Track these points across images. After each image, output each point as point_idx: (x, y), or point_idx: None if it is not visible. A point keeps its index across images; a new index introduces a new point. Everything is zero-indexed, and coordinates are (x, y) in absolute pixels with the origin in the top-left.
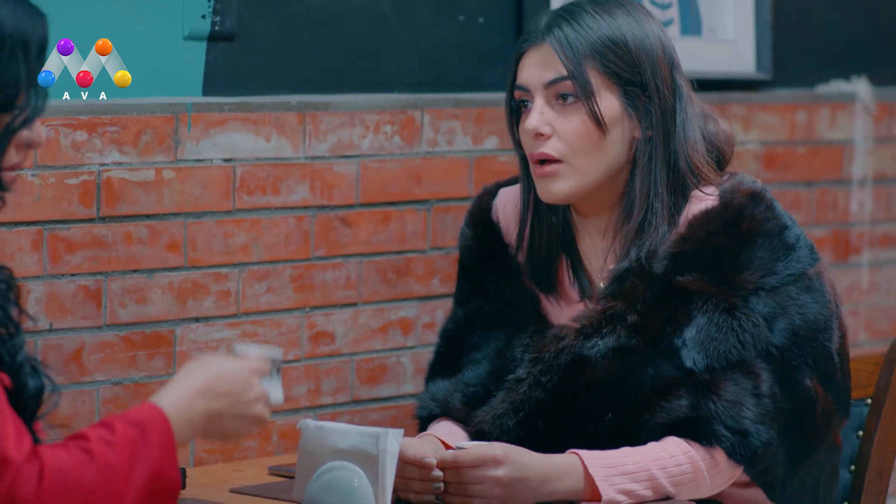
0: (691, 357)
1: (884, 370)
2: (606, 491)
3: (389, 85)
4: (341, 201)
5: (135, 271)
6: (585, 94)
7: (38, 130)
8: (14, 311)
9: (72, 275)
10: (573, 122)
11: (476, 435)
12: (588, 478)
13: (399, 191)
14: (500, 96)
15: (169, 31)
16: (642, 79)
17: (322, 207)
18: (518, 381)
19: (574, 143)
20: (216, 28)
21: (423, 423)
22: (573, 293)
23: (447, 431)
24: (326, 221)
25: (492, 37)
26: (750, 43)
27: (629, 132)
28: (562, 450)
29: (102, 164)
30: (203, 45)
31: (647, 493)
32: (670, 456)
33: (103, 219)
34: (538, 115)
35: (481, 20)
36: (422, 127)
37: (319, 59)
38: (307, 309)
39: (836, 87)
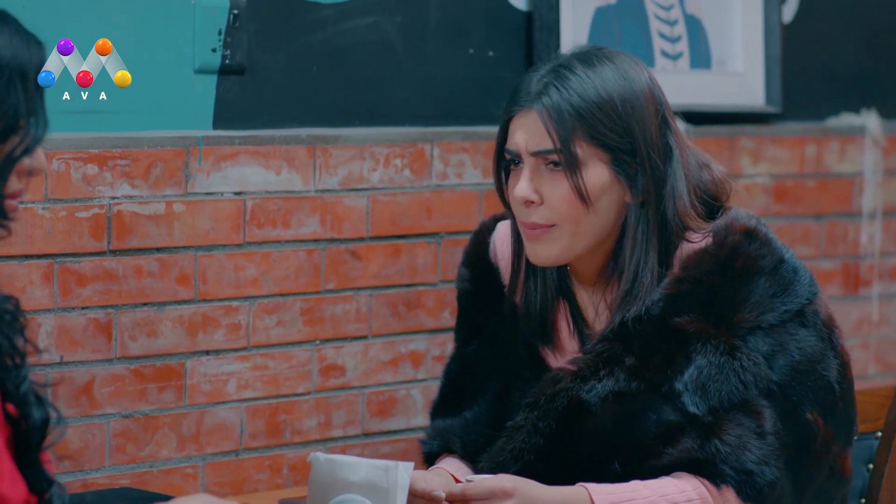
0: (693, 402)
1: (893, 403)
2: None
3: (399, 118)
4: (351, 234)
5: (145, 304)
6: (571, 168)
7: (40, 157)
8: (20, 342)
9: (82, 308)
10: (561, 190)
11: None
12: None
13: (409, 224)
14: None
15: (179, 64)
16: (632, 146)
17: (332, 241)
18: (516, 428)
19: (562, 210)
20: (226, 62)
21: (429, 459)
22: (572, 343)
23: (454, 466)
24: (336, 254)
25: (501, 70)
26: (759, 76)
27: (619, 198)
28: None
29: (113, 198)
30: (213, 79)
31: None
32: (680, 491)
33: (114, 252)
34: (527, 183)
35: (491, 53)
36: (431, 160)
37: (329, 92)
38: (317, 342)
39: (846, 120)
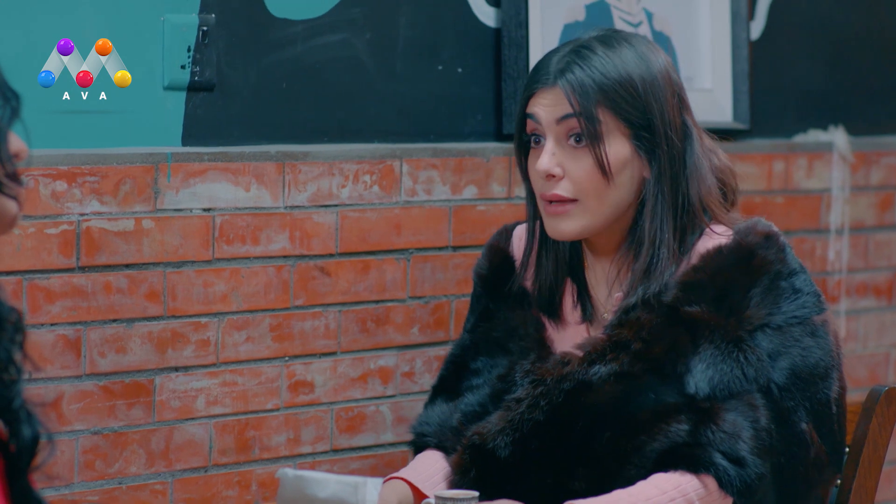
0: (693, 383)
1: (861, 419)
2: None
3: (368, 134)
4: (320, 251)
5: (114, 321)
6: (593, 138)
7: (18, 140)
8: (18, 356)
9: (51, 324)
10: (584, 164)
11: (469, 449)
12: None
13: (378, 240)
14: (479, 146)
15: (148, 81)
16: (651, 123)
17: (301, 257)
18: (517, 401)
19: (585, 184)
20: (195, 78)
21: (415, 450)
22: (575, 316)
23: (429, 472)
24: (306, 271)
25: (470, 87)
26: (727, 93)
27: (638, 172)
28: (551, 470)
29: (82, 214)
30: (182, 95)
31: None
32: (662, 493)
33: (83, 268)
34: (550, 157)
35: (460, 70)
36: (400, 176)
37: (298, 108)
38: (286, 358)
39: (814, 136)
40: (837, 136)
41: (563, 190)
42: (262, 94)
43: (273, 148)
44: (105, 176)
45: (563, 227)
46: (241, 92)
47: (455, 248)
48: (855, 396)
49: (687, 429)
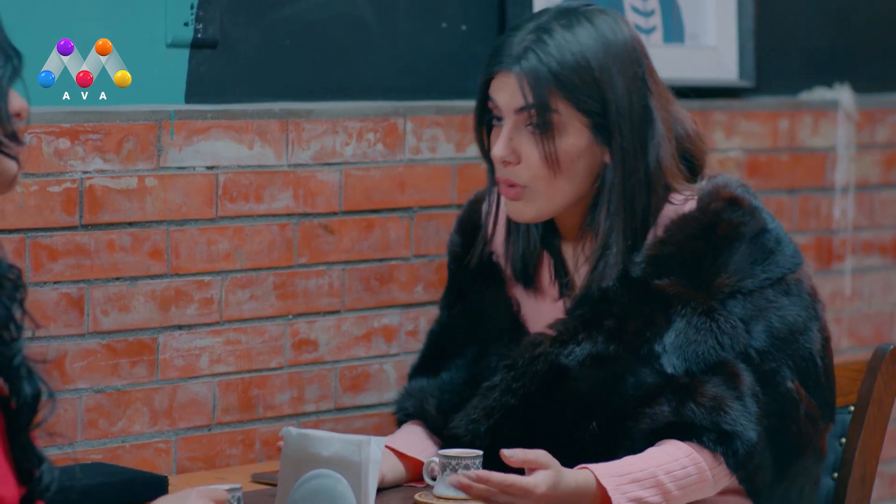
0: (671, 363)
1: (866, 377)
2: (619, 500)
3: (372, 92)
4: (324, 209)
5: (117, 279)
6: (544, 133)
7: (20, 99)
8: (18, 314)
9: (54, 283)
10: (539, 151)
11: (448, 440)
12: (599, 489)
13: (382, 198)
14: None
15: (151, 38)
16: (607, 111)
17: (305, 215)
18: (491, 387)
19: (538, 171)
20: (199, 36)
21: (401, 423)
22: (553, 291)
23: (414, 439)
24: (309, 229)
25: (474, 44)
26: (733, 50)
27: (597, 159)
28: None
29: (85, 172)
30: (186, 53)
31: (657, 499)
32: (674, 460)
33: (86, 226)
34: (505, 143)
35: (464, 27)
36: (404, 134)
37: (302, 66)
38: (290, 316)
39: (819, 94)
40: (843, 94)
41: (514, 176)
42: (266, 52)
43: (276, 105)
44: (108, 133)
45: (518, 211)
46: (245, 49)
47: (459, 206)
48: (860, 355)
49: (669, 409)
